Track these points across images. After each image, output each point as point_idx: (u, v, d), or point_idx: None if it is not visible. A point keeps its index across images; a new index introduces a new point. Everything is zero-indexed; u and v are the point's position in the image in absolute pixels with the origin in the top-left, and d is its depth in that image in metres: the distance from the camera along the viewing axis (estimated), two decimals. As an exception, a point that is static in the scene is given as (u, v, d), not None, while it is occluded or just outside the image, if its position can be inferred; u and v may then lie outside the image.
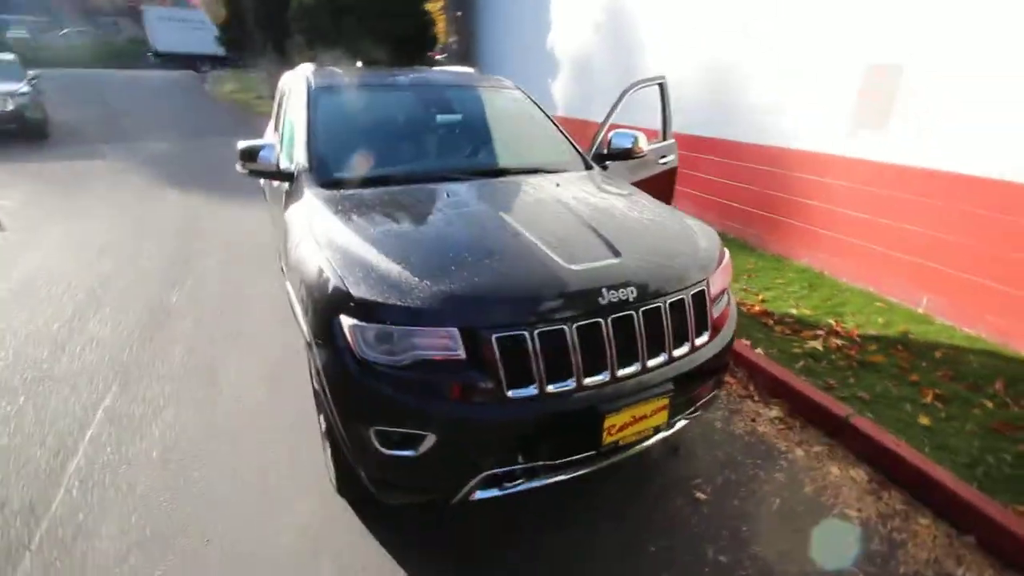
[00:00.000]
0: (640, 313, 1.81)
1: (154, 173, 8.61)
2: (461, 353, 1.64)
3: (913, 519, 2.25)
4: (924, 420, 2.65)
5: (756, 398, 3.04)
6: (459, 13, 14.91)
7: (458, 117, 3.06)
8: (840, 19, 4.13)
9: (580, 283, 1.78)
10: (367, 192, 2.40)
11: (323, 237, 2.01)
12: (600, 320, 1.75)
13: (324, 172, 2.52)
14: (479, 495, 1.80)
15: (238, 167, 2.66)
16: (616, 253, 1.94)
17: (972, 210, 3.43)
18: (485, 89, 3.35)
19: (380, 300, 1.67)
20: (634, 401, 1.77)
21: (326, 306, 1.76)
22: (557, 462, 1.80)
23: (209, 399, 2.98)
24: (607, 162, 3.26)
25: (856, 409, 2.71)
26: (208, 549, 2.05)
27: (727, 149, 5.31)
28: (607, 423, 1.74)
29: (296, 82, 3.19)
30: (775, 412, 2.91)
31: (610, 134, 3.26)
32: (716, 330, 2.09)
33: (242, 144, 2.59)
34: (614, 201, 2.50)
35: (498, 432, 1.68)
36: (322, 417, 2.14)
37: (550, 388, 1.69)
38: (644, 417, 1.83)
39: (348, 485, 2.08)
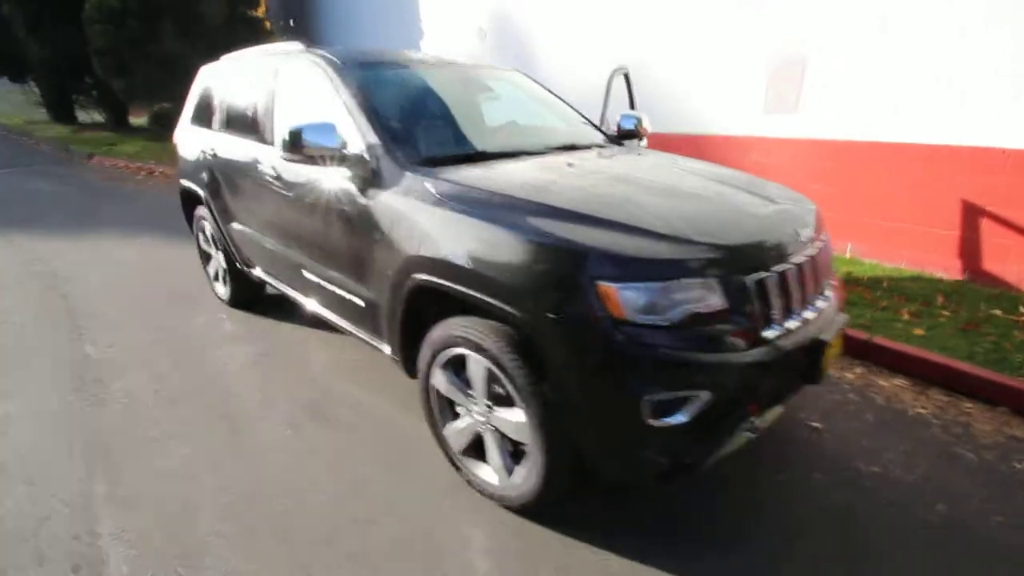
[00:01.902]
0: (818, 249, 1.95)
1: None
2: (723, 302, 1.59)
3: (960, 406, 2.74)
4: (918, 331, 3.25)
5: (786, 341, 3.40)
6: (292, 22, 13.92)
7: (498, 96, 2.89)
8: (748, 21, 4.85)
9: (783, 225, 1.84)
10: (485, 167, 2.15)
11: (499, 211, 1.76)
12: (804, 257, 1.83)
13: (413, 152, 2.19)
14: (729, 448, 1.74)
15: (283, 155, 2.18)
16: (772, 200, 2.05)
17: (876, 169, 4.30)
18: (496, 71, 3.21)
19: (646, 256, 1.54)
20: (835, 331, 1.89)
21: (569, 273, 1.55)
22: (785, 398, 1.84)
23: (253, 448, 2.37)
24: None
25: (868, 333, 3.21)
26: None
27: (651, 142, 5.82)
28: (827, 353, 1.82)
29: (291, 65, 2.71)
30: (808, 348, 3.29)
31: (617, 117, 3.38)
32: (831, 265, 2.33)
33: (289, 128, 2.13)
34: (696, 165, 2.60)
35: (764, 376, 1.65)
36: (497, 415, 1.86)
37: (788, 325, 1.72)
38: (835, 345, 1.96)
39: (556, 486, 1.82)
